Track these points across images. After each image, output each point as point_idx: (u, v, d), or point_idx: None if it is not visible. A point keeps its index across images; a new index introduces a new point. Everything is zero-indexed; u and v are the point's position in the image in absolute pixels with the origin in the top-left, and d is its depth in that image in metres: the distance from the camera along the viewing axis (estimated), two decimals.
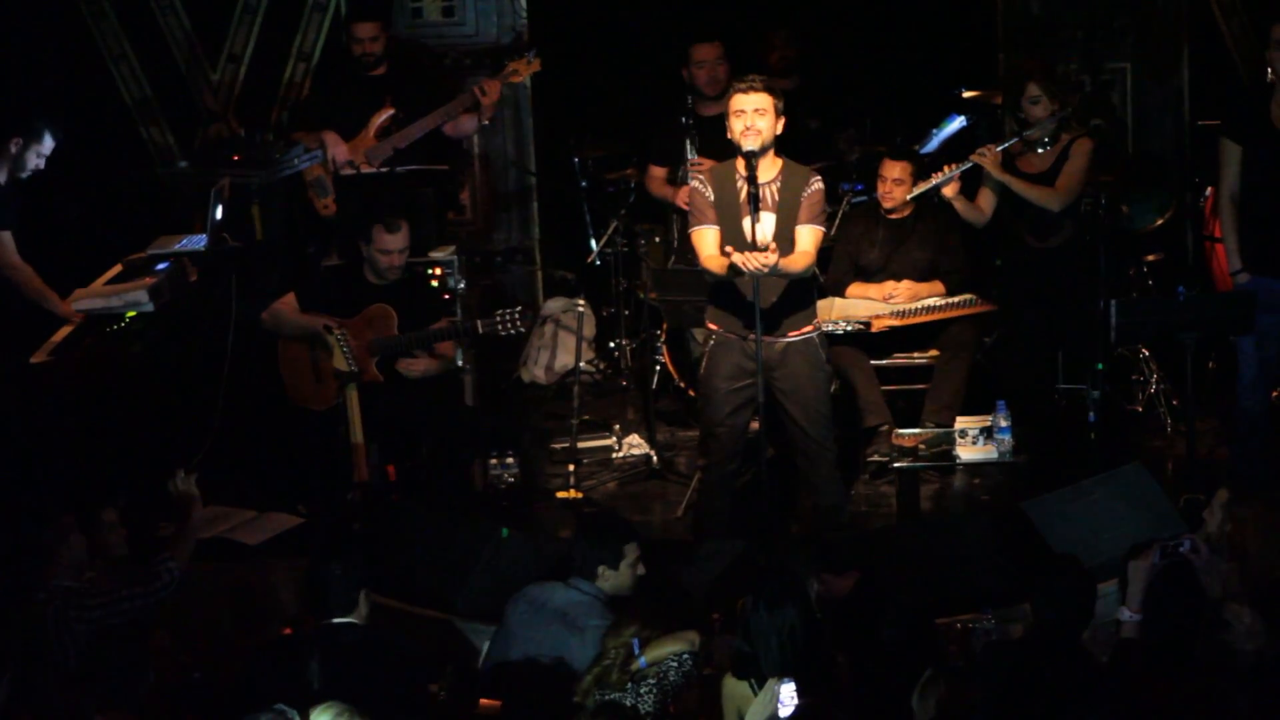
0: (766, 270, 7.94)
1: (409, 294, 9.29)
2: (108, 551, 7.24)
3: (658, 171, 10.44)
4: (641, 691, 6.52)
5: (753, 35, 11.48)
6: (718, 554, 8.14)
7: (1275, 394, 9.44)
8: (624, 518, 8.81)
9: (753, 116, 8.09)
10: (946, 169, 9.26)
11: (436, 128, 10.09)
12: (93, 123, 11.13)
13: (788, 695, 5.80)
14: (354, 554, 6.71)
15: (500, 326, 9.03)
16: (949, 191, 9.26)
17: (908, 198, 9.78)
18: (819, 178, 8.30)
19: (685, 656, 6.61)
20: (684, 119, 10.18)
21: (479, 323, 9.06)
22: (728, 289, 8.25)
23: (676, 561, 8.21)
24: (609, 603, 7.02)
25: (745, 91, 8.12)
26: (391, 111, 10.05)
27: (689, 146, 10.12)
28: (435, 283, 9.96)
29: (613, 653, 6.64)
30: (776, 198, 8.20)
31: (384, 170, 9.95)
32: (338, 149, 10.00)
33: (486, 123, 10.41)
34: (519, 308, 9.12)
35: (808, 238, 8.21)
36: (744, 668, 6.30)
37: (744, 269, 7.94)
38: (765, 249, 7.99)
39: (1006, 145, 9.30)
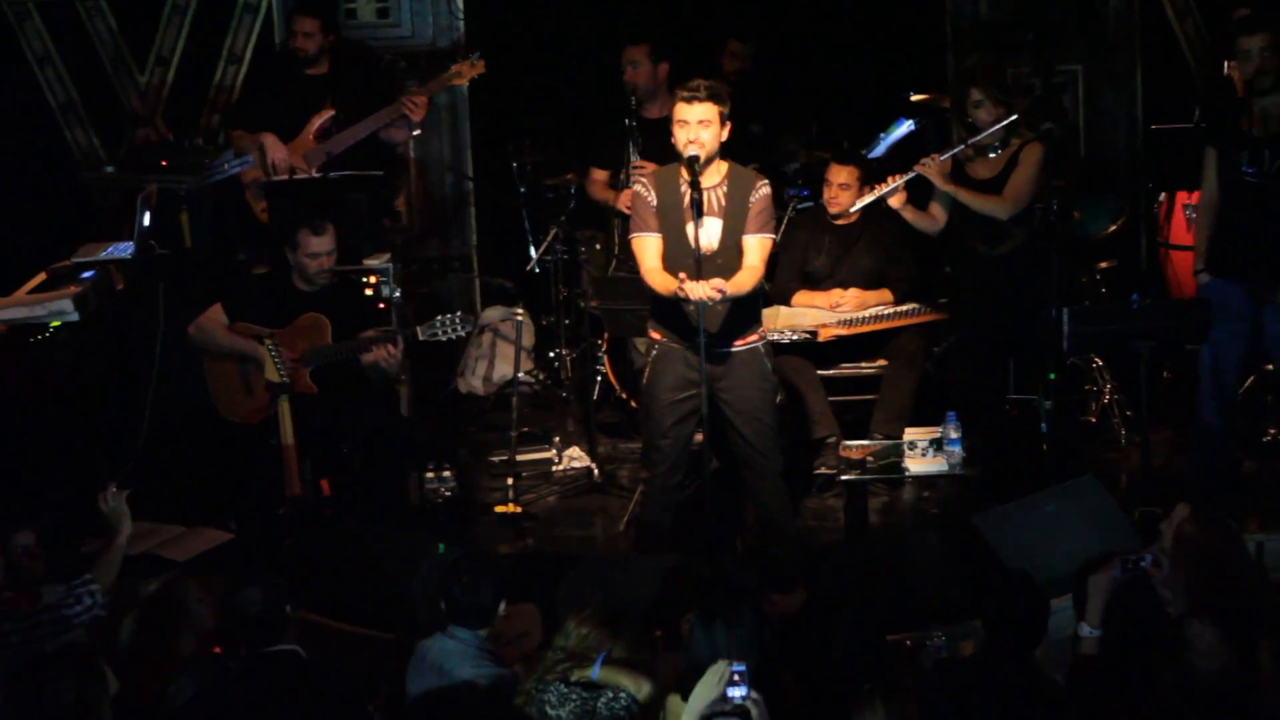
0: (713, 303, 7.81)
1: (340, 301, 9.20)
2: (21, 577, 7.01)
3: (599, 175, 10.37)
4: (568, 701, 6.28)
5: (705, 38, 11.41)
6: (660, 569, 8.02)
7: (1242, 390, 9.38)
8: (496, 556, 8.67)
9: (696, 129, 7.98)
10: (890, 180, 9.15)
11: (373, 133, 10.08)
12: (16, 126, 11.15)
13: (739, 676, 5.56)
14: (273, 575, 6.52)
15: (440, 331, 8.93)
16: (895, 202, 9.14)
17: (851, 209, 9.65)
18: (766, 182, 8.21)
19: (625, 697, 6.38)
20: (626, 121, 10.09)
21: (418, 329, 8.97)
22: (670, 297, 8.11)
23: (618, 577, 8.13)
24: (486, 649, 6.70)
25: (689, 101, 7.99)
26: (331, 113, 10.08)
27: (631, 149, 10.04)
28: (370, 291, 9.85)
29: (551, 656, 6.41)
30: (723, 203, 8.11)
31: (317, 175, 9.88)
32: (277, 151, 9.98)
33: (417, 133, 10.44)
34: (459, 312, 9.04)
35: (756, 250, 8.12)
36: (690, 685, 6.11)
37: (691, 298, 7.80)
38: (712, 255, 7.96)
39: (954, 152, 9.21)
